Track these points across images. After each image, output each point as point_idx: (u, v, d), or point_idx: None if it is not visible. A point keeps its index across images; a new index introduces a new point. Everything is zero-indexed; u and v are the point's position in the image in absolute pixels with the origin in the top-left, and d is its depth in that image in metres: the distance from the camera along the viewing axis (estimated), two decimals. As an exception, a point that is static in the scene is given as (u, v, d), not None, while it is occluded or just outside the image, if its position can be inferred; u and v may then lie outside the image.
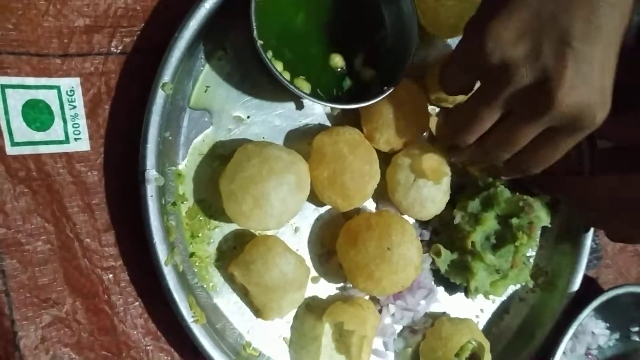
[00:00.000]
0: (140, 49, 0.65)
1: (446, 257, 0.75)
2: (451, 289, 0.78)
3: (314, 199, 0.70)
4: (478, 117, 0.61)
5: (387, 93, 0.68)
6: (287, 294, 0.65)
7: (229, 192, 0.63)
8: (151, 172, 0.61)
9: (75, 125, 0.62)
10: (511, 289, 0.83)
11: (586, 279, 0.84)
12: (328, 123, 0.74)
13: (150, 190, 0.61)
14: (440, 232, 0.77)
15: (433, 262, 0.76)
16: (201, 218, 0.67)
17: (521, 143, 0.61)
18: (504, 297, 0.83)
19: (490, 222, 0.74)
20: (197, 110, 0.68)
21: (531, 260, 0.84)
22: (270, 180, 0.62)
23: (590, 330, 0.87)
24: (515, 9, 0.55)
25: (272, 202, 0.62)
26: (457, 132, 0.65)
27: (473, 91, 0.66)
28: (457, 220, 0.75)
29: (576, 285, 0.83)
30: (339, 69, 0.70)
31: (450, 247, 0.76)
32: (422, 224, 0.77)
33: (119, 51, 0.64)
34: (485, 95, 0.60)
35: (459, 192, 0.77)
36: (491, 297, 0.80)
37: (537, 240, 0.85)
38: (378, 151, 0.71)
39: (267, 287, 0.64)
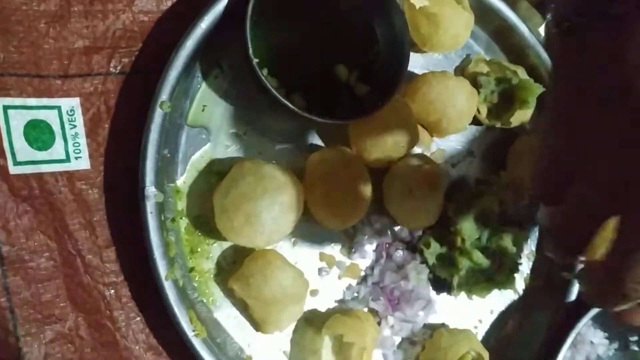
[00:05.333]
0: (139, 69, 0.67)
1: (435, 249, 0.76)
2: (449, 299, 0.79)
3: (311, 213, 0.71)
4: None
5: (383, 107, 0.69)
6: (286, 307, 0.66)
7: (222, 207, 0.64)
8: (150, 189, 0.62)
9: (75, 144, 0.63)
10: (509, 298, 0.84)
11: (583, 289, 0.85)
12: (323, 140, 0.75)
13: (150, 207, 0.62)
14: (432, 226, 0.77)
15: (431, 273, 0.77)
16: (200, 233, 0.68)
17: None
18: (502, 308, 0.83)
19: (479, 209, 0.76)
20: (194, 127, 0.69)
21: (525, 270, 0.85)
22: (264, 198, 0.63)
23: (589, 339, 0.87)
24: None
25: (263, 220, 0.63)
26: None
27: None
28: (449, 213, 0.76)
29: (573, 294, 0.83)
30: (343, 80, 0.72)
31: (441, 241, 0.77)
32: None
33: (117, 71, 0.66)
34: None
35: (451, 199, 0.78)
36: (490, 308, 0.82)
37: (533, 249, 0.86)
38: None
39: (267, 301, 0.65)
